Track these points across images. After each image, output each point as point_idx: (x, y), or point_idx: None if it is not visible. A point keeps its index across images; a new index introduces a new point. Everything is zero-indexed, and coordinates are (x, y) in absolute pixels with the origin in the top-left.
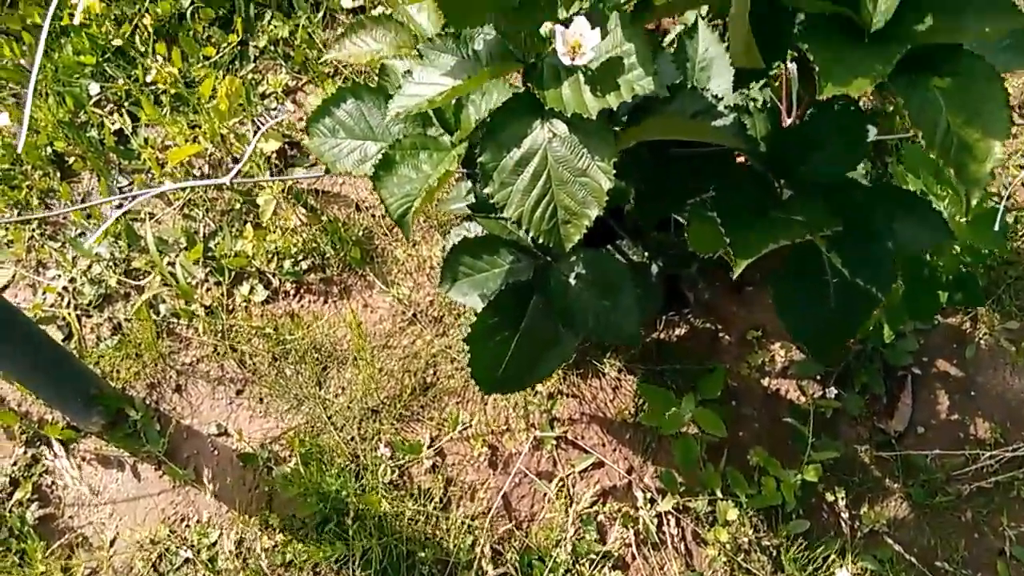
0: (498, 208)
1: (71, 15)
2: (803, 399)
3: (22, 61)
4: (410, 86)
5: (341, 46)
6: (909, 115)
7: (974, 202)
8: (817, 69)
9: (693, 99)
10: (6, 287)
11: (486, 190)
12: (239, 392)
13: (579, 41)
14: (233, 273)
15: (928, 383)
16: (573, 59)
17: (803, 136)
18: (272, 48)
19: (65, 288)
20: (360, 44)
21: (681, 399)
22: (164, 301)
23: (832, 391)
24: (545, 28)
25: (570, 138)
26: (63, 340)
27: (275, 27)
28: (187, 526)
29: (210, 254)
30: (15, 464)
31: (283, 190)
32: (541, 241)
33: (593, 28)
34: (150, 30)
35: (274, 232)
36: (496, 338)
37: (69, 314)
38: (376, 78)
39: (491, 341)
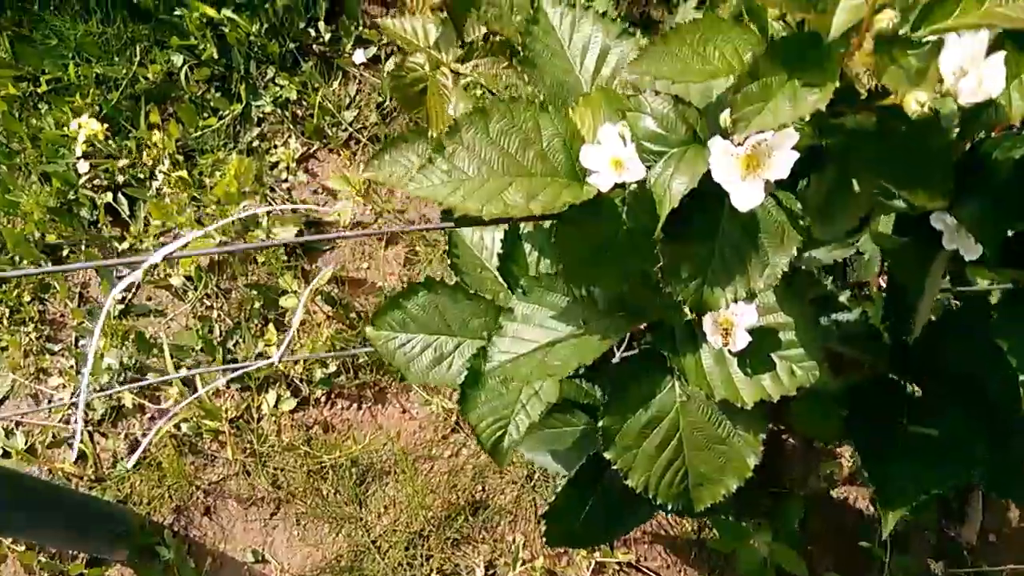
0: (621, 473)
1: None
2: (872, 510)
3: None
4: (505, 341)
5: (379, 165)
6: None
7: None
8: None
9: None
10: (5, 398)
11: (607, 454)
12: (273, 514)
13: (731, 319)
14: (257, 380)
15: None
16: (725, 344)
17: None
18: (279, 111)
19: (73, 403)
20: (402, 162)
21: (753, 532)
22: (187, 420)
23: None
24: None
25: (707, 404)
26: (76, 461)
27: (280, 87)
28: None
29: (230, 356)
30: None
31: (304, 280)
32: (669, 507)
33: (749, 302)
34: (141, 96)
35: (298, 331)
36: (571, 500)
37: (81, 431)
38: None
39: (565, 503)
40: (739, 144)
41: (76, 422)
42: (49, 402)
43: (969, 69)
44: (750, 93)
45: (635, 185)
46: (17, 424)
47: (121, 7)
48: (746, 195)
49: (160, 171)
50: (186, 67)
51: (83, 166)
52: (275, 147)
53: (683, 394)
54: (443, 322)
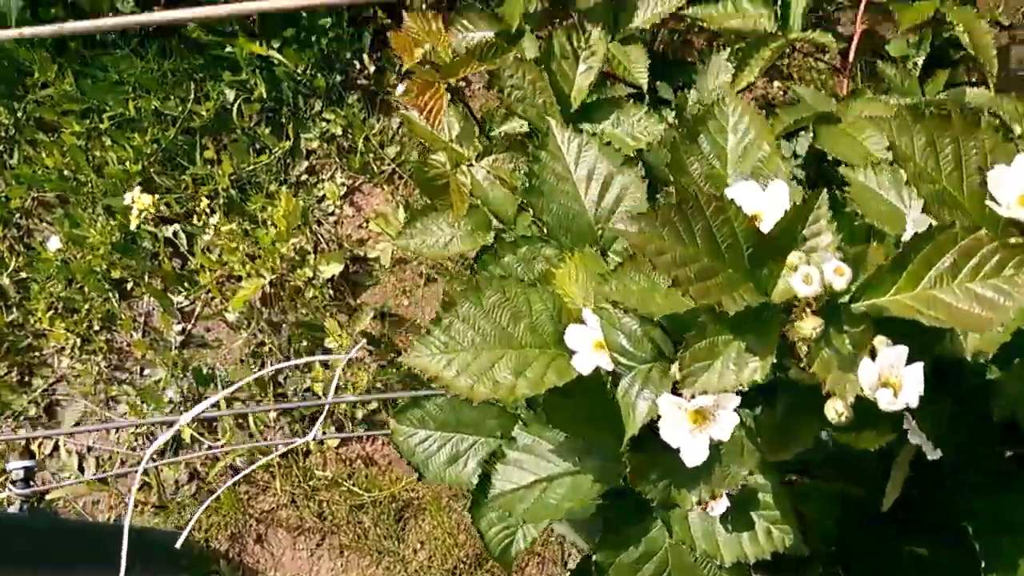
0: None
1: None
2: None
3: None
4: (508, 468)
5: (410, 234)
6: None
7: None
8: None
9: None
10: (78, 423)
11: None
12: (319, 544)
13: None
14: (306, 417)
15: None
16: (705, 509)
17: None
18: (325, 145)
19: (136, 433)
20: (434, 231)
21: None
22: (241, 455)
23: None
24: None
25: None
26: (140, 489)
27: (327, 121)
28: None
29: (279, 390)
30: None
31: (346, 321)
32: None
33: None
34: (197, 131)
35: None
36: None
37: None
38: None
39: None
40: (688, 399)
41: (143, 460)
42: (117, 431)
43: (888, 377)
44: (697, 351)
45: None
46: (89, 449)
47: (177, 42)
48: (694, 451)
49: (217, 205)
50: (238, 102)
51: (138, 192)
52: (322, 181)
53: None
54: (460, 421)
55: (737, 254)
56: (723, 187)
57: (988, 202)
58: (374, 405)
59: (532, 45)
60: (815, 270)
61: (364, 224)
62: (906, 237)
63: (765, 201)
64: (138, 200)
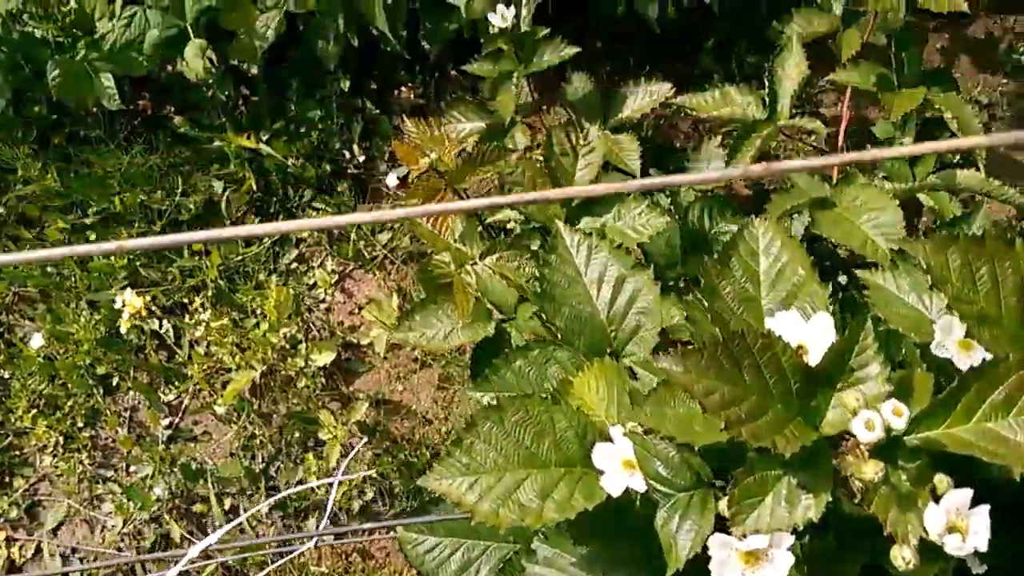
0: None
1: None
2: None
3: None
4: None
5: (409, 327)
6: None
7: None
8: None
9: None
10: (61, 524)
11: None
12: None
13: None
14: (300, 512)
15: None
16: None
17: None
18: (316, 233)
19: (123, 531)
20: (433, 323)
21: None
22: (233, 551)
23: None
24: None
25: None
26: None
27: (316, 210)
28: None
29: (271, 483)
30: None
31: (339, 410)
32: None
33: None
34: (184, 223)
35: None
36: None
37: (132, 558)
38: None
39: None
40: (740, 538)
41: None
42: (103, 529)
43: (955, 521)
44: (747, 487)
45: None
46: (73, 551)
47: (164, 135)
48: None
49: (205, 297)
50: (227, 193)
51: (129, 295)
52: (312, 268)
53: None
54: (470, 526)
55: (785, 389)
56: (757, 310)
57: None
58: (370, 495)
59: (523, 136)
60: (876, 415)
61: (356, 311)
62: (933, 346)
63: (808, 332)
64: (128, 303)
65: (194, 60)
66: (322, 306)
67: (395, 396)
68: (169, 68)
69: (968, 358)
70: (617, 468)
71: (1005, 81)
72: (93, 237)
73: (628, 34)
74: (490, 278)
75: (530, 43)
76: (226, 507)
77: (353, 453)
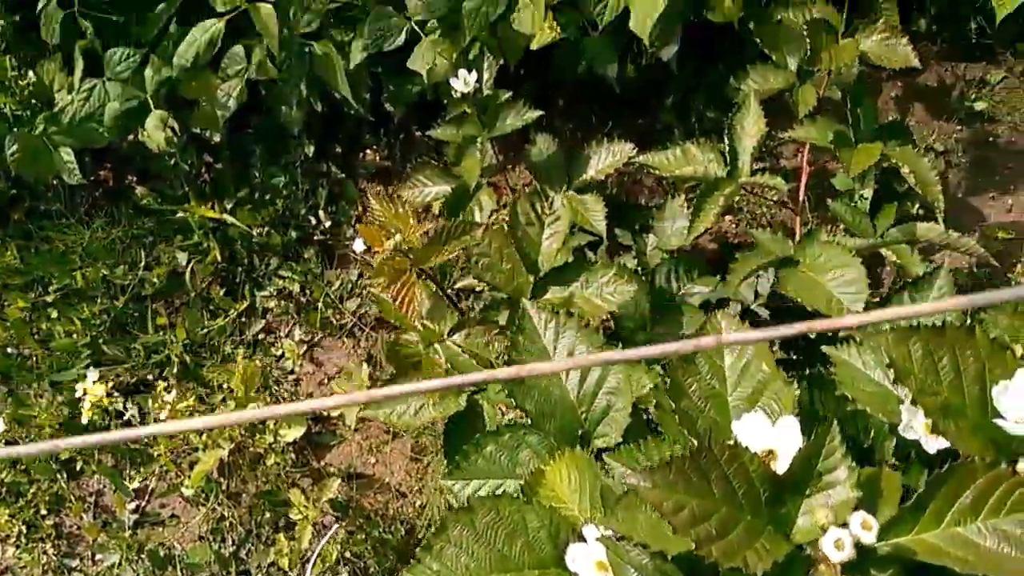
0: None
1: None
2: None
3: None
4: None
5: (379, 403)
6: None
7: None
8: None
9: None
10: None
11: None
12: None
13: None
14: None
15: None
16: None
17: None
18: (283, 303)
19: None
20: (403, 398)
21: None
22: None
23: None
24: None
25: None
26: None
27: (283, 278)
28: None
29: (242, 567)
30: None
31: (309, 488)
32: None
33: None
34: (148, 297)
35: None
36: None
37: None
38: None
39: None
40: None
41: None
42: None
43: None
44: None
45: None
46: None
47: (126, 207)
48: None
49: (170, 373)
50: (191, 265)
51: (92, 373)
52: (280, 339)
53: None
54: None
55: (755, 498)
56: (724, 407)
57: (995, 420)
58: (346, 574)
59: (489, 199)
60: (846, 533)
61: (326, 381)
62: (901, 428)
63: (775, 437)
64: (90, 392)
65: (155, 132)
66: (291, 378)
67: (367, 469)
68: (131, 138)
69: (936, 440)
70: (591, 570)
71: (959, 128)
72: (55, 314)
73: (590, 93)
74: (459, 354)
75: (493, 107)
76: None
77: (327, 538)
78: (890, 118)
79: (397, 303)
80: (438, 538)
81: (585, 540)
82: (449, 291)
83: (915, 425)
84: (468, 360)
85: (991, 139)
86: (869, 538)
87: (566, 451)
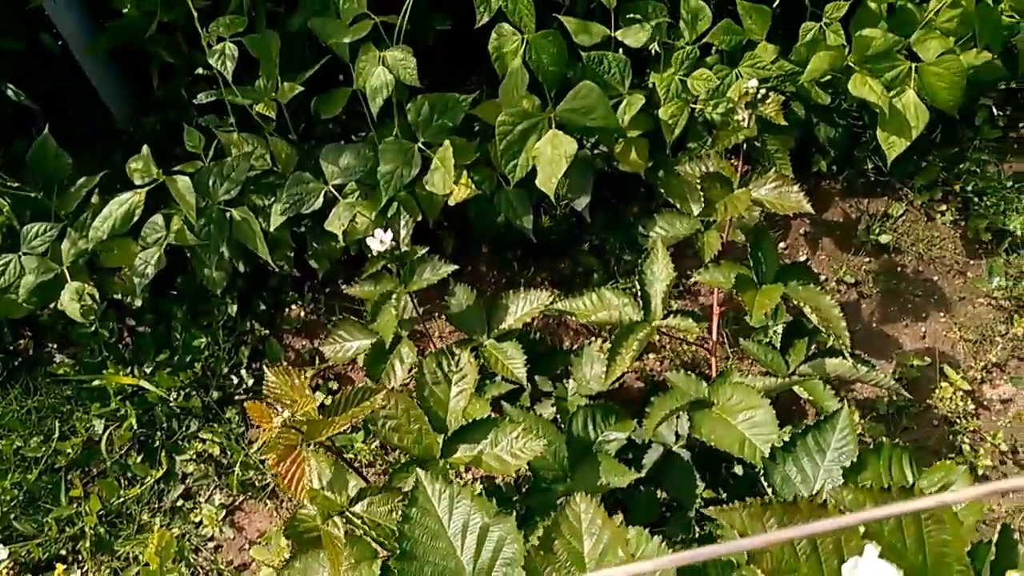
0: None
1: None
2: None
3: None
4: None
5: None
6: None
7: None
8: None
9: None
10: None
11: None
12: None
13: None
14: None
15: None
16: None
17: None
18: (202, 466)
19: None
20: (315, 568)
21: None
22: None
23: None
24: None
25: None
26: None
27: (203, 441)
28: None
29: None
30: None
31: None
32: None
33: None
34: (62, 468)
35: None
36: None
37: None
38: None
39: None
40: None
41: None
42: None
43: None
44: None
45: None
46: None
47: (43, 377)
48: None
49: (83, 547)
50: (107, 432)
51: (2, 553)
52: (199, 505)
53: None
54: None
55: None
56: None
57: None
58: None
59: (410, 350)
60: None
61: (247, 546)
62: None
63: None
64: None
65: (71, 304)
66: (210, 544)
67: None
68: (52, 306)
69: None
70: None
71: (868, 260)
72: None
73: (510, 241)
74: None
75: (410, 263)
76: None
77: None
78: (801, 255)
79: (285, 480)
80: None
81: None
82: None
83: None
84: (366, 534)
85: (899, 268)
86: None
87: None
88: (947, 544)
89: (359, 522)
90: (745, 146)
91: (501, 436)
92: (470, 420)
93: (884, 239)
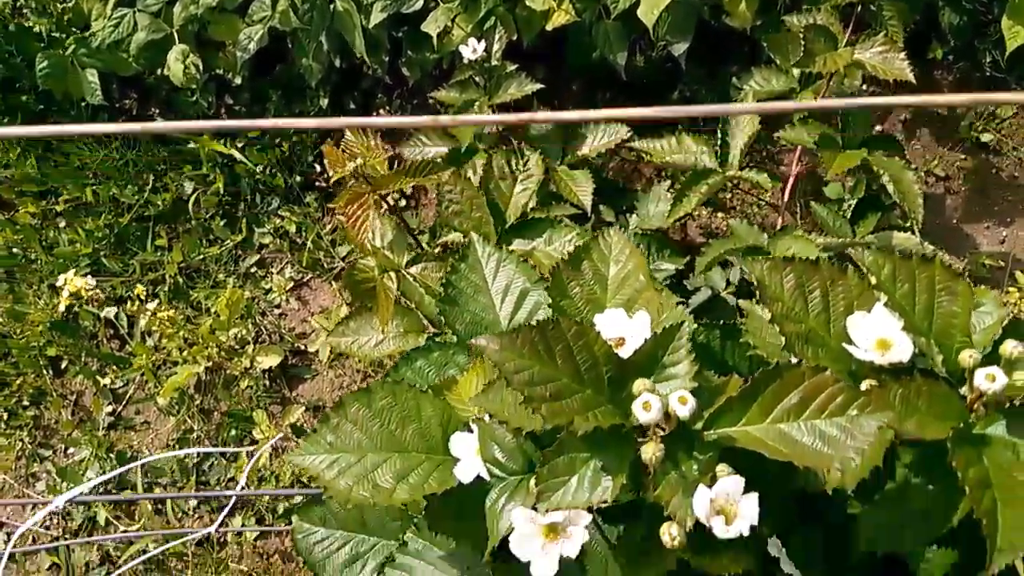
0: None
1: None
2: None
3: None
4: (396, 574)
5: (342, 332)
6: None
7: None
8: None
9: None
10: None
11: None
12: None
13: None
14: (225, 507)
15: None
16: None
17: None
18: (278, 240)
19: (53, 511)
20: (367, 331)
21: None
22: (155, 541)
23: None
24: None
25: None
26: (49, 569)
27: (281, 218)
28: None
29: (203, 478)
30: None
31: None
32: None
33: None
34: (152, 218)
35: (269, 460)
36: None
37: (59, 540)
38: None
39: None
40: (543, 513)
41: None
42: (33, 508)
43: (723, 505)
44: (556, 467)
45: None
46: (1, 525)
47: (143, 134)
48: (544, 566)
49: (161, 291)
50: (196, 194)
51: (91, 281)
52: (271, 274)
53: None
54: (363, 521)
55: (598, 377)
56: (602, 311)
57: (846, 345)
58: (298, 499)
59: (483, 163)
60: (655, 397)
61: (309, 318)
62: None
63: (629, 327)
64: (70, 282)
65: (176, 64)
66: (276, 311)
67: None
68: (158, 72)
69: None
70: (472, 456)
71: (963, 156)
72: (62, 224)
73: (598, 79)
74: (425, 291)
75: (497, 76)
76: (155, 496)
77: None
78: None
79: (349, 222)
80: (336, 413)
81: (471, 430)
82: (429, 246)
83: None
84: (418, 289)
85: (993, 170)
86: (683, 412)
87: (477, 362)
88: (955, 316)
89: (411, 280)
90: (860, 8)
91: (556, 236)
92: (529, 218)
93: (985, 138)
